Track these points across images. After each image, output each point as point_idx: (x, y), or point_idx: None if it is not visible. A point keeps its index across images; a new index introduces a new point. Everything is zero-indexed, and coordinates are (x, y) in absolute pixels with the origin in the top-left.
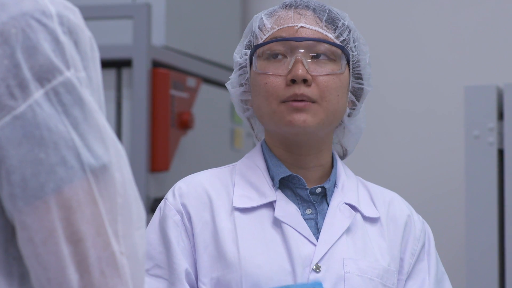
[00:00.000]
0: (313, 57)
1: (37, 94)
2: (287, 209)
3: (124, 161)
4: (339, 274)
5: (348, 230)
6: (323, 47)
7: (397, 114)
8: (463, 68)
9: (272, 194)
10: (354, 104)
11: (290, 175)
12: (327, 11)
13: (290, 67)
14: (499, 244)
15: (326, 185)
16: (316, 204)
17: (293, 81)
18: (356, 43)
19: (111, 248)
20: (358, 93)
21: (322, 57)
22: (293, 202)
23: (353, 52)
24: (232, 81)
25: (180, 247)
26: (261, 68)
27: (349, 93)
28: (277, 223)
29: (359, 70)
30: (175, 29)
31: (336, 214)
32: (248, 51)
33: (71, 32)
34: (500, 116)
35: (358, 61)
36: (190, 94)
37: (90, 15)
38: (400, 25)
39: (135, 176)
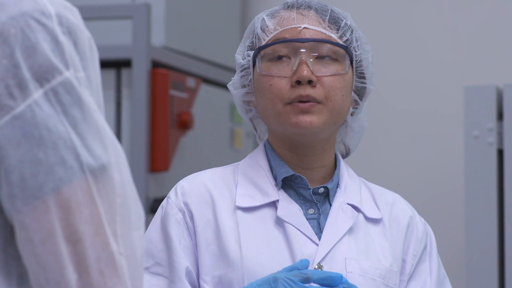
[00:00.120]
0: (317, 58)
1: (36, 94)
2: (290, 208)
3: (123, 161)
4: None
5: (350, 230)
6: (326, 47)
7: (397, 114)
8: (463, 68)
9: (275, 193)
10: (357, 103)
11: (293, 175)
12: (329, 11)
13: (294, 68)
14: (499, 244)
15: (329, 185)
16: (318, 204)
17: (298, 83)
18: (358, 43)
19: (110, 248)
20: (361, 92)
21: (326, 57)
22: (296, 202)
23: (356, 51)
24: (234, 82)
25: (182, 246)
26: (265, 69)
27: (352, 92)
28: (280, 223)
29: (362, 69)
30: (174, 30)
31: (338, 214)
32: (251, 52)
33: (70, 32)
34: (500, 116)
35: (361, 60)
36: (189, 94)
37: (89, 15)
38: (400, 25)
39: (135, 176)
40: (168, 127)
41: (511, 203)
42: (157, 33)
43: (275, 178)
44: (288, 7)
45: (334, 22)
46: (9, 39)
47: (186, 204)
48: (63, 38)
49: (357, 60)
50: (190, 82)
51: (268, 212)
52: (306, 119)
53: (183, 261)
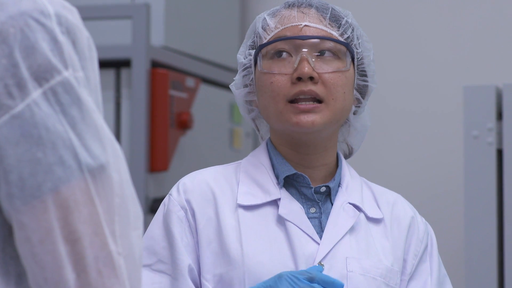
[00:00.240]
0: (318, 55)
1: (35, 93)
2: (291, 207)
3: (121, 161)
4: (342, 273)
5: (351, 230)
6: (328, 44)
7: (396, 114)
8: (462, 68)
9: (277, 192)
10: (359, 102)
11: (295, 174)
12: (330, 9)
13: (295, 65)
14: (498, 244)
15: (331, 185)
16: (320, 203)
17: (299, 79)
18: (360, 40)
19: (108, 248)
20: (363, 90)
21: (327, 54)
22: (298, 200)
23: (357, 49)
24: (237, 82)
25: (184, 243)
26: (266, 67)
27: (354, 91)
28: (281, 221)
29: (364, 67)
30: (174, 29)
31: (340, 214)
32: (252, 52)
33: (69, 32)
34: (499, 116)
35: (362, 58)
36: (189, 94)
37: (89, 15)
38: (399, 25)
39: (134, 176)
40: (168, 127)
41: (511, 203)
42: (156, 33)
43: (277, 177)
44: (289, 6)
45: (335, 20)
46: (8, 39)
47: (188, 202)
48: (62, 38)
49: (358, 58)
50: (190, 82)
51: (269, 211)
52: (307, 118)
53: (186, 259)
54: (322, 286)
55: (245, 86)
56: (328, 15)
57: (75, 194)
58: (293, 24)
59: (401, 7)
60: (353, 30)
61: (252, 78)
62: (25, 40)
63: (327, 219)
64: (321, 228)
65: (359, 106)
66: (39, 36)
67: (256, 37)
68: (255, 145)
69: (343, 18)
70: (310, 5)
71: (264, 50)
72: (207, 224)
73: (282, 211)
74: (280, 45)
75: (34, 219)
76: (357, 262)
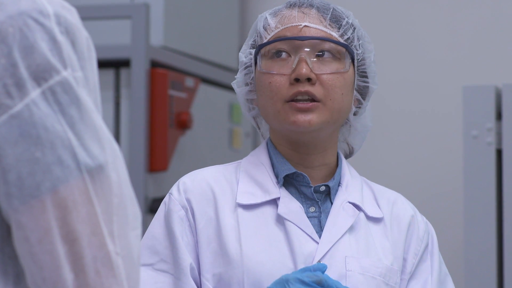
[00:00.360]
0: (317, 56)
1: (34, 93)
2: (291, 206)
3: (120, 161)
4: (341, 272)
5: (351, 229)
6: (327, 45)
7: (396, 114)
8: (462, 68)
9: (276, 191)
10: (360, 103)
11: (294, 173)
12: (331, 9)
13: (294, 66)
14: (497, 244)
15: (330, 184)
16: (319, 203)
17: (297, 80)
18: (360, 41)
19: (107, 248)
20: (363, 91)
21: (326, 55)
22: (297, 199)
23: (357, 50)
24: (238, 81)
25: (184, 242)
26: (265, 67)
27: (355, 92)
28: (280, 220)
29: (364, 68)
30: (173, 29)
31: (339, 213)
32: (253, 51)
33: (68, 32)
34: (499, 116)
35: (363, 59)
36: (188, 94)
37: (88, 15)
38: (398, 25)
39: (134, 176)
40: (167, 127)
41: (510, 202)
42: (156, 33)
43: (276, 176)
44: (291, 5)
45: (336, 20)
46: (7, 38)
47: (188, 201)
48: (61, 38)
49: (358, 59)
50: (189, 82)
51: (269, 210)
52: (304, 118)
53: (187, 258)
54: None
55: (246, 84)
56: (329, 16)
57: (74, 194)
58: (293, 24)
59: (401, 7)
60: (354, 31)
61: (253, 77)
62: (24, 39)
63: (327, 218)
64: (321, 227)
65: (359, 107)
66: (38, 36)
67: (257, 36)
68: (255, 145)
69: (344, 19)
70: (311, 5)
71: (263, 50)
72: (207, 223)
73: (282, 210)
74: (279, 45)
75: (32, 218)
76: (356, 261)
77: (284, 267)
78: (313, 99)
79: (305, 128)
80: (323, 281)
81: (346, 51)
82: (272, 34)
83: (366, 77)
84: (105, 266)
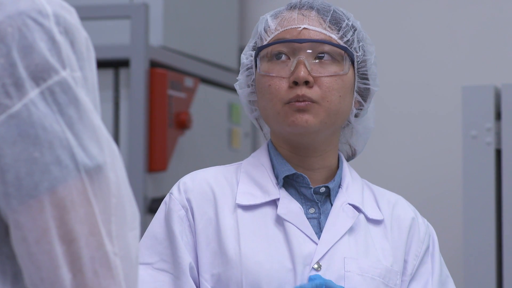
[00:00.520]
0: (316, 58)
1: (33, 93)
2: (290, 207)
3: (118, 161)
4: (339, 273)
5: (350, 230)
6: (326, 48)
7: (395, 114)
8: (461, 68)
9: (276, 192)
10: (361, 104)
11: (294, 174)
12: (332, 11)
13: (292, 69)
14: (497, 244)
15: (330, 185)
16: (319, 204)
17: (295, 83)
18: (361, 43)
19: (105, 248)
20: (364, 93)
21: (325, 58)
22: (297, 200)
23: (357, 52)
24: (240, 82)
25: (184, 242)
26: (264, 69)
27: (355, 94)
28: (280, 221)
29: (365, 71)
30: (172, 29)
31: (339, 214)
32: (254, 53)
33: (67, 32)
34: (498, 116)
35: (363, 61)
36: (187, 94)
37: (87, 15)
38: (397, 25)
39: (133, 176)
40: (166, 127)
41: (509, 203)
42: (155, 33)
43: (276, 177)
44: (291, 7)
45: (336, 22)
46: (6, 38)
47: (188, 201)
48: (60, 38)
49: (358, 61)
50: (188, 82)
51: (268, 211)
52: (302, 118)
53: (187, 257)
54: None
55: (248, 86)
56: (329, 18)
57: (72, 194)
58: (292, 27)
59: (400, 7)
60: (354, 33)
61: (254, 79)
62: (23, 39)
63: (326, 220)
64: (320, 228)
65: (361, 109)
66: (37, 36)
67: (258, 38)
68: (254, 145)
69: (344, 21)
70: (312, 7)
71: (263, 52)
72: (206, 224)
73: (281, 211)
74: (278, 47)
75: (30, 218)
76: (355, 262)
77: (282, 268)
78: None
79: (303, 128)
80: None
81: (345, 54)
82: (272, 36)
83: (367, 79)
84: (103, 267)
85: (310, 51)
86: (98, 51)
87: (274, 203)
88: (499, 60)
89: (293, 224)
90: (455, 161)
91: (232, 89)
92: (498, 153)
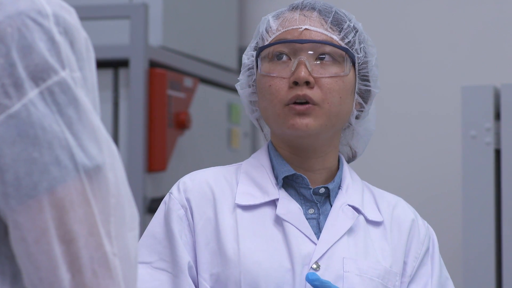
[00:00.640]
0: (317, 59)
1: (32, 93)
2: (289, 207)
3: (117, 161)
4: (338, 273)
5: (350, 231)
6: (327, 49)
7: (394, 114)
8: (460, 68)
9: (275, 192)
10: (361, 106)
11: (294, 174)
12: (333, 13)
13: (293, 69)
14: (496, 244)
15: (330, 186)
16: (319, 205)
17: (296, 83)
18: (362, 45)
19: (104, 248)
20: (365, 95)
21: (326, 59)
22: (296, 201)
23: (358, 54)
24: (241, 82)
25: (183, 241)
26: (265, 70)
27: (356, 95)
28: (279, 221)
29: (366, 72)
30: (172, 29)
31: (338, 215)
32: (255, 53)
33: (66, 32)
34: (497, 116)
35: (364, 63)
36: (187, 94)
37: (87, 15)
38: (397, 25)
39: (132, 176)
40: (166, 127)
41: (509, 203)
42: (154, 33)
43: (276, 177)
44: (293, 8)
45: (337, 23)
46: (5, 38)
47: (188, 201)
48: (59, 38)
49: (359, 63)
50: (188, 82)
51: (267, 211)
52: (302, 121)
53: (186, 256)
54: None
55: (249, 86)
56: (330, 19)
57: (71, 194)
58: (293, 27)
59: (399, 8)
60: (355, 34)
61: (255, 79)
62: (22, 39)
63: (326, 220)
64: (319, 229)
65: (361, 111)
66: (37, 36)
67: (260, 38)
68: (253, 145)
69: (346, 22)
70: (313, 8)
71: (264, 53)
72: (206, 223)
73: (280, 211)
74: (279, 48)
75: (29, 218)
76: (354, 262)
77: (281, 268)
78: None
79: (303, 131)
80: None
81: (346, 55)
82: (273, 36)
83: (368, 80)
84: (102, 267)
85: (311, 52)
86: (97, 51)
87: (273, 203)
88: (498, 60)
89: (292, 224)
90: (455, 161)
91: (232, 89)
92: (498, 153)
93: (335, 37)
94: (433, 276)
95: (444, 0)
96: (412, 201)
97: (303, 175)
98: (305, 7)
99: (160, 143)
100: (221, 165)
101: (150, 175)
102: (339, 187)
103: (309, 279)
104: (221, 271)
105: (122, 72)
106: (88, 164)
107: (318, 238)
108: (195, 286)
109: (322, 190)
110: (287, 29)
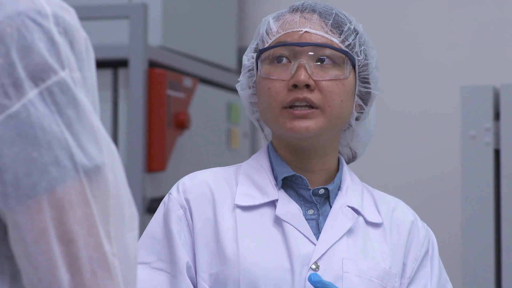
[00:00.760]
0: (317, 62)
1: (31, 93)
2: (289, 208)
3: (117, 162)
4: (337, 274)
5: (349, 232)
6: (327, 51)
7: (394, 114)
8: (460, 68)
9: (275, 193)
10: (362, 108)
11: (293, 175)
12: (334, 15)
13: (293, 72)
14: (496, 244)
15: (330, 187)
16: (318, 205)
17: (295, 86)
18: (362, 47)
19: (103, 249)
20: (365, 97)
21: (326, 61)
22: (296, 202)
23: (358, 56)
24: (242, 83)
25: (182, 241)
26: (265, 72)
27: (356, 97)
28: (278, 222)
29: (366, 74)
30: (171, 29)
31: (338, 216)
32: (255, 55)
33: (66, 32)
34: (497, 116)
35: (364, 65)
36: (186, 94)
37: (86, 15)
38: (396, 25)
39: (132, 176)
40: (165, 127)
41: (508, 203)
42: (154, 33)
43: (275, 178)
44: (293, 10)
45: (337, 26)
46: (5, 38)
47: (187, 201)
48: (59, 38)
49: (359, 65)
50: (187, 82)
51: (267, 211)
52: (301, 124)
53: (184, 256)
54: None
55: (249, 87)
56: (331, 21)
57: (70, 195)
58: (293, 30)
59: (398, 8)
60: (355, 36)
61: (255, 80)
62: (22, 40)
63: (325, 221)
64: (319, 229)
65: (362, 112)
66: (36, 36)
67: (260, 40)
68: (253, 145)
69: (346, 24)
70: (314, 10)
71: (264, 55)
72: (205, 224)
73: (279, 211)
74: (279, 50)
75: (28, 219)
76: (353, 263)
77: (280, 268)
78: (311, 106)
79: (302, 134)
80: None
81: (346, 58)
82: (274, 39)
83: (368, 82)
84: (102, 267)
85: (311, 54)
86: (97, 51)
87: (272, 204)
88: (497, 60)
89: (291, 225)
90: (454, 161)
91: (231, 89)
92: (497, 153)
93: (335, 40)
94: (433, 278)
95: (444, 0)
96: (411, 201)
97: (302, 176)
98: (305, 9)
99: (159, 143)
100: (220, 165)
101: (150, 175)
102: (338, 188)
103: (312, 281)
104: (220, 271)
105: (121, 72)
106: (87, 164)
107: (317, 239)
108: (194, 286)
109: (321, 191)
110: (287, 31)
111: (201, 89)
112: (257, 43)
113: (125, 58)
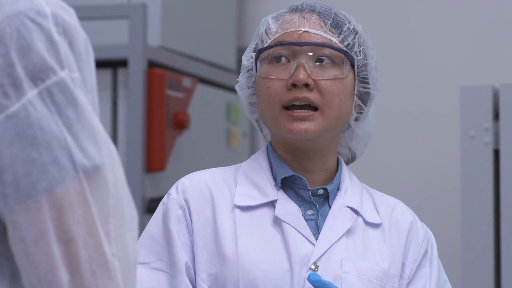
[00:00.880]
0: (316, 62)
1: (31, 93)
2: (288, 208)
3: (116, 162)
4: (336, 274)
5: (348, 232)
6: (326, 51)
7: (393, 114)
8: (459, 68)
9: (274, 193)
10: (361, 108)
11: (292, 176)
12: (333, 15)
13: (292, 71)
14: (495, 244)
15: (329, 187)
16: (317, 206)
17: (294, 85)
18: (362, 47)
19: (103, 249)
20: (364, 97)
21: (326, 61)
22: (295, 202)
23: (357, 56)
24: (241, 83)
25: (181, 241)
26: (264, 72)
27: (355, 97)
28: (278, 222)
29: (365, 74)
30: (171, 29)
31: (337, 216)
32: (254, 54)
33: (66, 32)
34: (496, 116)
35: (364, 65)
36: (186, 94)
37: (85, 15)
38: (396, 25)
39: (131, 176)
40: (164, 127)
41: (507, 203)
42: (153, 33)
43: (275, 179)
44: (293, 10)
45: (337, 26)
46: (4, 38)
47: (186, 201)
48: (58, 38)
49: (359, 65)
50: (186, 82)
51: (266, 212)
52: (300, 126)
53: (183, 256)
54: None
55: (248, 88)
56: (330, 21)
57: (70, 195)
58: (293, 30)
59: (398, 7)
60: (355, 36)
61: (254, 80)
62: (21, 40)
63: (324, 221)
64: (318, 230)
65: (361, 113)
66: (35, 36)
67: (259, 40)
68: (252, 145)
69: (345, 24)
70: (313, 10)
71: (263, 54)
72: (204, 224)
73: (279, 212)
74: (278, 50)
75: (28, 219)
76: (352, 263)
77: (279, 268)
78: (310, 106)
79: (302, 136)
80: None
81: (345, 57)
82: (273, 38)
83: (367, 83)
84: (101, 267)
85: (310, 54)
86: (96, 51)
87: (272, 204)
88: (497, 60)
89: (290, 225)
90: (453, 161)
91: (230, 89)
92: (496, 153)
93: (335, 40)
94: (432, 279)
95: (444, 0)
96: (410, 201)
97: (301, 177)
98: (304, 9)
99: (159, 143)
100: (220, 165)
101: (149, 175)
102: (337, 189)
103: (311, 280)
104: (219, 271)
105: (121, 72)
106: (87, 164)
107: (316, 239)
108: (193, 286)
109: (320, 192)
110: (286, 31)
111: (201, 89)
112: (257, 43)
113: (124, 58)
